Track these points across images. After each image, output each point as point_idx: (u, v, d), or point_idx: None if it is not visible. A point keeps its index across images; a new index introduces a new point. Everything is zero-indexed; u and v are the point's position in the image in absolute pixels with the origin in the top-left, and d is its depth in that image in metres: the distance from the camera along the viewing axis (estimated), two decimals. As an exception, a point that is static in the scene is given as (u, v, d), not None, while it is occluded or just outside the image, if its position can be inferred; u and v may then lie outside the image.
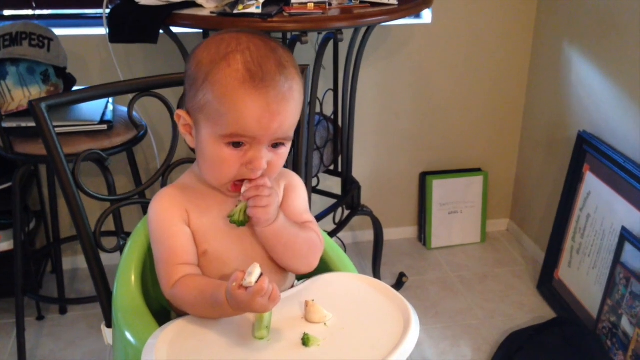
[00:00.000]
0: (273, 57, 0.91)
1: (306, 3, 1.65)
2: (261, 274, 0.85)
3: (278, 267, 1.02)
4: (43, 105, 1.03)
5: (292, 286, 1.06)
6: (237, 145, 0.92)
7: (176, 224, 0.97)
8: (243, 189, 0.93)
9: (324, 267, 1.07)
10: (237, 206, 0.95)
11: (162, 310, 1.00)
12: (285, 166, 1.74)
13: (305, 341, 0.88)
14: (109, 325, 1.12)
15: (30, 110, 1.04)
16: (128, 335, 0.94)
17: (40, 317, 2.12)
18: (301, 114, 1.15)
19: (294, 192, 1.06)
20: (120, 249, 1.17)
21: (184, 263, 0.96)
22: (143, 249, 1.07)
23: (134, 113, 1.92)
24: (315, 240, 1.03)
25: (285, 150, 0.96)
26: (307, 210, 1.07)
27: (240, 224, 0.94)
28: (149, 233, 1.00)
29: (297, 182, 1.08)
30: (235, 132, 0.90)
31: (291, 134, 0.95)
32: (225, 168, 0.93)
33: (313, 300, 0.95)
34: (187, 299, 0.94)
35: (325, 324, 0.93)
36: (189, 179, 1.03)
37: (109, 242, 1.62)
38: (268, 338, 0.89)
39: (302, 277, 1.08)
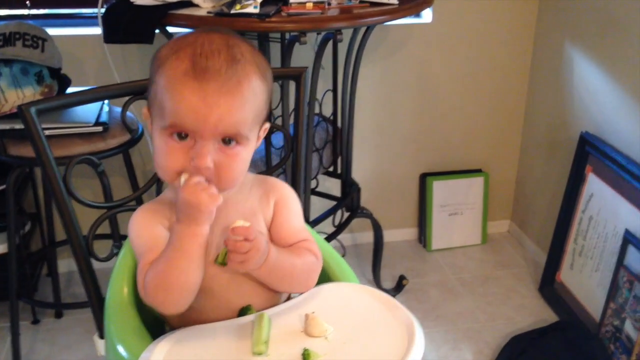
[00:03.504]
0: (225, 52, 0.88)
1: (305, 3, 1.62)
2: None
3: None
4: (32, 109, 1.01)
5: (289, 298, 1.03)
6: (181, 137, 0.88)
7: (156, 228, 0.94)
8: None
9: (323, 276, 1.03)
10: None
11: (156, 323, 0.97)
12: (283, 170, 1.71)
13: (306, 356, 0.85)
14: (102, 336, 1.09)
15: (20, 115, 1.01)
16: (120, 349, 0.91)
17: (35, 321, 2.10)
18: (299, 115, 1.11)
19: (286, 208, 1.01)
20: (114, 256, 1.14)
21: None
22: (136, 259, 1.03)
23: (131, 115, 1.90)
24: (312, 263, 0.98)
25: (239, 152, 0.90)
26: (302, 228, 1.02)
27: (223, 264, 0.90)
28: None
29: (289, 196, 1.02)
30: (173, 122, 0.87)
31: (242, 131, 0.89)
32: (169, 159, 0.89)
33: (313, 313, 0.92)
34: (153, 273, 0.88)
35: (326, 337, 0.90)
36: (170, 194, 0.99)
37: (104, 245, 1.60)
38: (267, 353, 0.86)
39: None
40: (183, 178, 0.88)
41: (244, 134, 0.89)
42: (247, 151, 0.92)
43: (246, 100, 0.88)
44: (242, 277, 0.95)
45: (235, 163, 0.90)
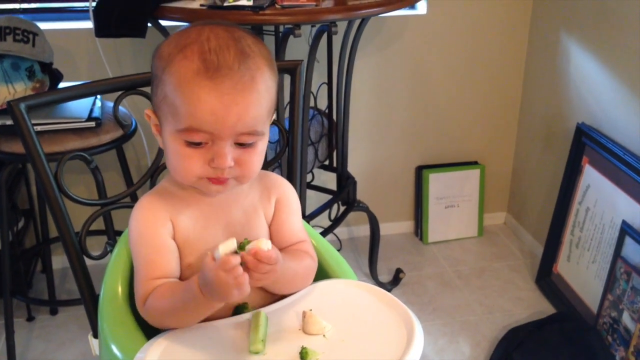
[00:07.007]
0: (234, 46, 0.85)
1: (299, -5, 1.60)
2: (236, 251, 0.79)
3: None
4: (22, 105, 0.99)
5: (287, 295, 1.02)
6: (196, 144, 0.86)
7: (159, 236, 0.92)
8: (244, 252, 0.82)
9: (320, 273, 1.02)
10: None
11: (152, 322, 0.96)
12: (279, 164, 1.69)
13: (304, 355, 0.84)
14: (96, 335, 1.08)
15: (9, 111, 0.99)
16: (114, 349, 0.90)
17: (30, 318, 2.08)
18: (294, 109, 1.09)
19: (288, 207, 1.00)
20: (108, 254, 1.13)
21: (162, 277, 0.91)
22: (130, 256, 1.02)
23: (124, 110, 1.88)
24: (311, 266, 0.98)
25: (256, 146, 0.89)
26: (301, 228, 1.01)
27: None
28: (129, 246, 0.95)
29: (291, 195, 1.02)
30: (190, 125, 0.84)
31: (259, 128, 0.87)
32: (188, 166, 0.87)
33: (311, 310, 0.91)
34: (159, 306, 0.87)
35: (324, 335, 0.88)
36: (168, 184, 0.97)
37: (98, 241, 1.58)
38: (264, 352, 0.85)
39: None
40: (221, 251, 0.80)
41: (261, 130, 0.88)
42: (263, 143, 0.91)
43: (262, 96, 0.87)
44: None
45: (254, 157, 0.89)
